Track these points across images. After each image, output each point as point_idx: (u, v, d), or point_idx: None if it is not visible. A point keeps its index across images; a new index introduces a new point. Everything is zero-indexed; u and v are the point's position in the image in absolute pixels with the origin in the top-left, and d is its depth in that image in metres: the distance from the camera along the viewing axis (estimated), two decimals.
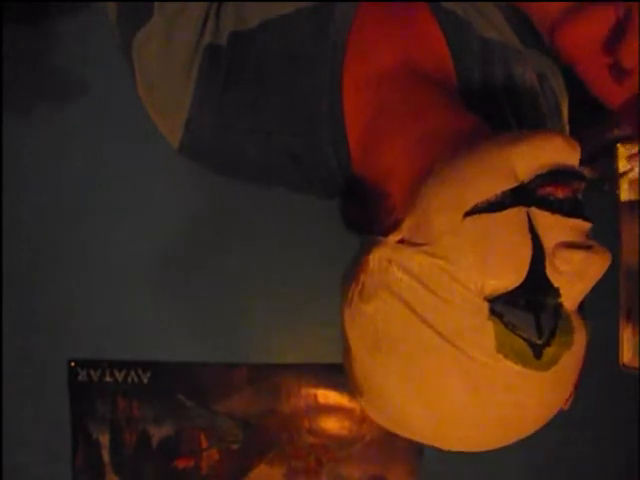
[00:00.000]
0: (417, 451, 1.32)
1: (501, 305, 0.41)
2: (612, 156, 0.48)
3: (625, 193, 0.70)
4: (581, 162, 0.44)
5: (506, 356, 0.41)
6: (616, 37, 0.41)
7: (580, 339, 0.43)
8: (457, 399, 0.42)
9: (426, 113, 0.49)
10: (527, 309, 0.41)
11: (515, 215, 0.42)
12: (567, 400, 0.45)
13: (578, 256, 0.41)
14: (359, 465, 1.34)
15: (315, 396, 1.34)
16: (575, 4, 0.44)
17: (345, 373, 0.49)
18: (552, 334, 0.41)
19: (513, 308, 0.41)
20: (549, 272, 0.41)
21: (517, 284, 0.41)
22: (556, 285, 0.42)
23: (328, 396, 1.33)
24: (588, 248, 0.42)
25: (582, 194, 0.43)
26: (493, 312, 0.41)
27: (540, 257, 0.41)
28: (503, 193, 0.42)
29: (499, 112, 0.57)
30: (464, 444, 0.45)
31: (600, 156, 0.46)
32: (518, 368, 0.41)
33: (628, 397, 1.26)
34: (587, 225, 0.43)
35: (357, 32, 0.52)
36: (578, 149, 0.43)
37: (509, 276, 0.41)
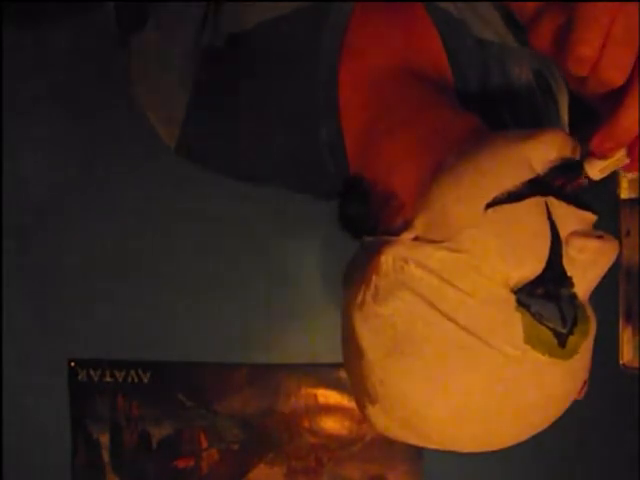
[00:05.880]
0: (417, 451, 1.32)
1: (526, 296, 0.41)
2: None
3: (625, 191, 0.70)
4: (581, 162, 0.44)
5: (534, 347, 0.41)
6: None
7: (593, 328, 0.44)
8: (483, 394, 0.42)
9: (426, 112, 0.49)
10: (549, 299, 0.42)
11: (535, 204, 0.42)
12: (581, 389, 0.46)
13: (593, 244, 0.42)
14: (359, 465, 1.34)
15: (315, 396, 1.34)
16: (543, 5, 0.43)
17: (352, 380, 0.47)
18: (574, 322, 0.42)
19: (538, 299, 0.42)
20: (565, 261, 0.42)
21: (538, 273, 0.42)
22: (569, 274, 0.42)
23: (328, 396, 1.33)
24: (599, 237, 0.43)
25: (582, 191, 0.44)
26: (520, 303, 0.41)
27: (557, 246, 0.42)
28: (522, 184, 0.42)
29: (496, 112, 0.57)
30: (485, 442, 0.45)
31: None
32: (545, 358, 0.41)
33: (628, 397, 1.26)
34: (594, 218, 0.44)
35: (353, 32, 0.52)
36: (579, 146, 0.44)
37: (532, 265, 0.42)
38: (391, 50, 0.53)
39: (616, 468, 1.32)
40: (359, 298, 0.45)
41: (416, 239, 0.44)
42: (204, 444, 1.35)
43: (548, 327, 0.41)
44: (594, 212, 0.44)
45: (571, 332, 0.42)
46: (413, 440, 0.46)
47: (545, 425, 0.45)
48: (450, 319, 0.42)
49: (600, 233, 0.43)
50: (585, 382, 0.45)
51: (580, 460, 1.34)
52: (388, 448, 1.32)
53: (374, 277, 0.44)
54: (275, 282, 1.34)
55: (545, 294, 0.42)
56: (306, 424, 1.34)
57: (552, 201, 0.42)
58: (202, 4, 0.51)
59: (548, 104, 0.60)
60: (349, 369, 0.48)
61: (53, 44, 1.32)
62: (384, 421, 0.46)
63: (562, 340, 0.41)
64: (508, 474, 1.35)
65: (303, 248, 1.33)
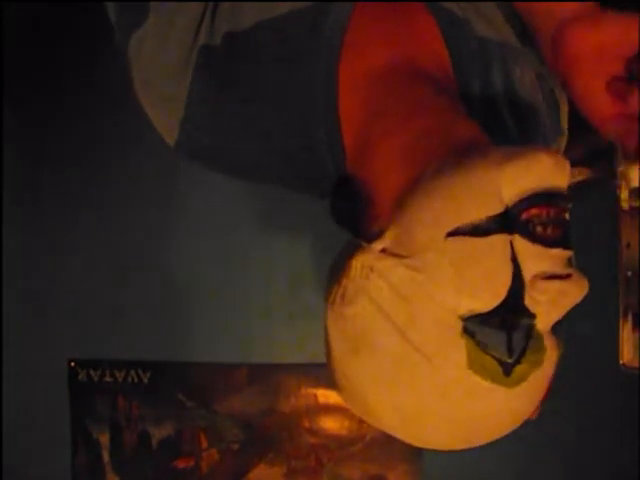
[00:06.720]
0: (417, 451, 1.32)
1: (474, 324, 0.41)
2: (610, 156, 0.48)
3: (625, 202, 0.70)
4: (580, 162, 0.44)
5: (476, 372, 0.42)
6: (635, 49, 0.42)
7: (551, 357, 0.43)
8: (426, 405, 0.43)
9: (421, 116, 0.49)
10: (500, 328, 0.42)
11: (498, 242, 0.42)
12: (534, 412, 0.46)
13: (554, 287, 0.42)
14: (359, 465, 1.34)
15: (315, 396, 1.34)
16: (590, 9, 0.44)
17: (327, 369, 0.50)
18: (522, 353, 0.42)
19: (486, 327, 0.41)
20: (527, 301, 0.42)
21: (493, 308, 0.41)
22: (533, 312, 0.42)
23: (328, 396, 1.33)
24: (566, 277, 0.42)
25: (569, 214, 0.44)
26: (466, 330, 0.42)
27: (519, 286, 0.41)
28: (488, 218, 0.42)
29: (497, 112, 0.57)
30: (431, 444, 0.47)
31: (598, 156, 0.46)
32: (487, 384, 0.42)
33: (628, 397, 1.26)
34: (568, 253, 0.43)
35: (353, 32, 0.52)
36: (567, 167, 0.43)
37: (485, 300, 0.41)
38: (392, 50, 0.52)
39: (616, 468, 1.32)
40: (332, 297, 0.47)
41: (384, 250, 0.44)
42: (204, 444, 1.36)
43: (492, 356, 0.41)
44: (567, 247, 0.43)
45: (518, 361, 0.42)
46: (375, 425, 0.48)
47: (491, 439, 0.45)
48: (400, 333, 0.42)
49: (569, 272, 0.42)
50: (538, 407, 0.46)
51: (580, 460, 1.34)
52: (388, 448, 1.32)
53: (344, 279, 0.45)
54: (275, 282, 1.34)
55: (499, 324, 0.41)
56: (306, 424, 1.34)
57: (518, 240, 0.41)
58: (200, 3, 0.50)
59: (549, 106, 0.60)
60: (326, 359, 0.50)
61: (53, 44, 1.32)
62: (350, 406, 0.49)
63: (507, 369, 0.42)
64: (508, 474, 1.35)
65: (303, 248, 1.33)
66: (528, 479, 1.37)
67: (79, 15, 1.27)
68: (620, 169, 0.44)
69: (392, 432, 0.47)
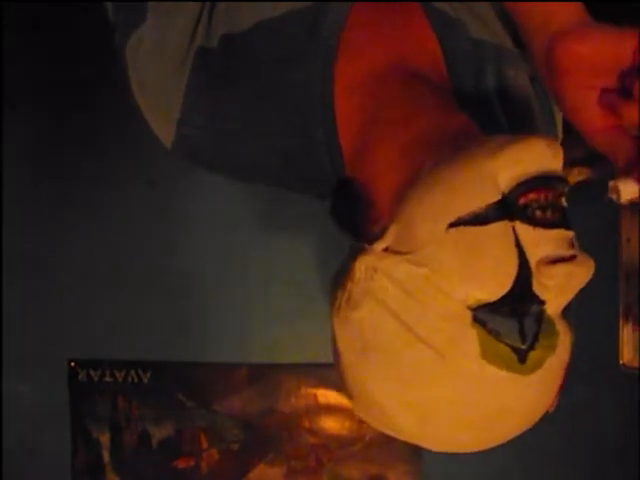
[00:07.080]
0: (417, 451, 1.32)
1: (484, 313, 0.41)
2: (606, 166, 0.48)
3: None
4: (580, 162, 0.44)
5: (490, 362, 0.41)
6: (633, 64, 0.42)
7: (564, 342, 0.43)
8: (442, 404, 0.43)
9: (417, 117, 0.49)
10: (510, 315, 0.41)
11: (500, 229, 0.41)
12: (552, 403, 0.45)
13: (561, 270, 0.41)
14: (359, 465, 1.34)
15: (315, 396, 1.34)
16: (584, 22, 0.45)
17: (338, 376, 0.49)
18: (535, 338, 0.42)
19: (496, 315, 0.41)
20: (535, 287, 0.41)
21: (501, 296, 0.41)
22: (542, 298, 0.42)
23: (328, 396, 1.33)
24: (571, 259, 0.42)
25: (566, 198, 0.43)
26: (476, 320, 0.41)
27: (526, 273, 0.41)
28: (488, 206, 0.42)
29: (490, 112, 0.57)
30: (450, 446, 0.46)
31: (598, 156, 0.46)
32: (503, 373, 0.41)
33: (628, 397, 1.26)
34: (570, 234, 0.43)
35: (349, 33, 0.52)
36: (560, 152, 0.43)
37: (493, 289, 0.41)
38: (387, 51, 0.52)
39: (616, 468, 1.32)
40: (337, 302, 0.46)
41: (387, 249, 0.44)
42: (204, 444, 1.36)
43: (506, 343, 0.41)
44: (569, 228, 0.42)
45: (532, 347, 0.41)
46: (389, 432, 0.47)
47: (511, 435, 0.45)
48: (410, 330, 0.42)
49: (573, 253, 0.42)
50: (556, 396, 0.45)
51: (581, 460, 1.34)
52: (388, 448, 1.32)
53: (348, 283, 0.45)
54: (275, 282, 1.34)
55: (509, 311, 0.41)
56: (306, 424, 1.34)
57: (519, 226, 0.41)
58: (198, 4, 0.50)
59: (543, 108, 0.60)
60: (335, 366, 0.49)
61: (53, 44, 1.32)
62: (363, 415, 0.48)
63: (522, 356, 0.41)
64: (508, 474, 1.35)
65: (303, 248, 1.33)
66: (528, 479, 1.37)
67: (79, 15, 1.27)
68: (611, 183, 0.44)
69: (409, 437, 0.46)
